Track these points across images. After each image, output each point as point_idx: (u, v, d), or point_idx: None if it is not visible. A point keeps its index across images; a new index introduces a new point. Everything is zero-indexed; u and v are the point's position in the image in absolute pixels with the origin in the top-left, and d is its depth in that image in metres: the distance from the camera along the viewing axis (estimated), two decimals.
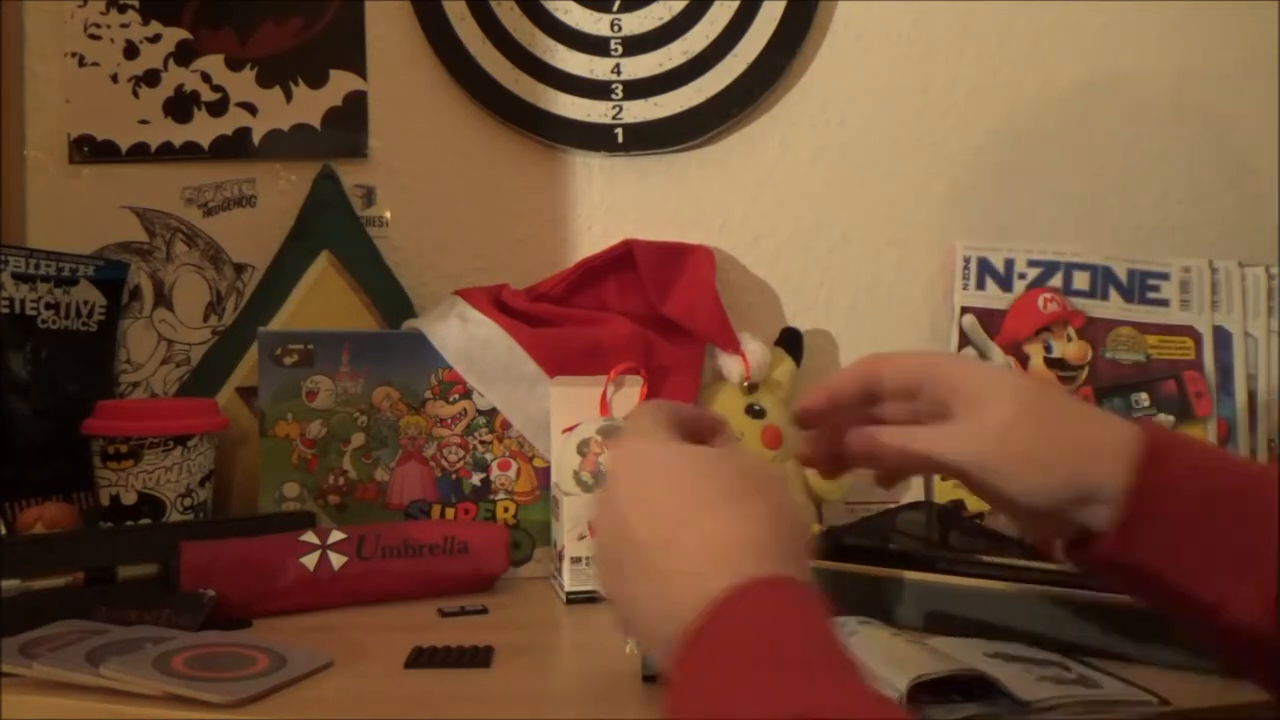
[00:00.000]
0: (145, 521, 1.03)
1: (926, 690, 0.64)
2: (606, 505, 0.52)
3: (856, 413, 0.63)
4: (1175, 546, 0.55)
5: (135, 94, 1.27)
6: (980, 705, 0.64)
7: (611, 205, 1.25)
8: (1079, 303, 1.16)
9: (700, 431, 0.58)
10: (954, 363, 0.62)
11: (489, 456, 1.08)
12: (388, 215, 1.26)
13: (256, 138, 1.26)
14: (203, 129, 1.27)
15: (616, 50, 1.23)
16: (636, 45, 1.23)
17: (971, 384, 0.58)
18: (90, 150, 1.28)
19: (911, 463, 0.60)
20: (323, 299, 1.19)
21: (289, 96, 1.26)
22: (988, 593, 0.81)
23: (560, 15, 1.23)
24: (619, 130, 1.23)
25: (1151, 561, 0.56)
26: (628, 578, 0.49)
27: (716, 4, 1.21)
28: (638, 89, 1.23)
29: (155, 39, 1.27)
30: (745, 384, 1.13)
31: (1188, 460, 0.57)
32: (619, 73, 1.23)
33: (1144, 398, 1.15)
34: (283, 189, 1.27)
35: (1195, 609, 0.56)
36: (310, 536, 0.93)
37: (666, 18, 1.22)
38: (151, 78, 1.27)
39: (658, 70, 1.22)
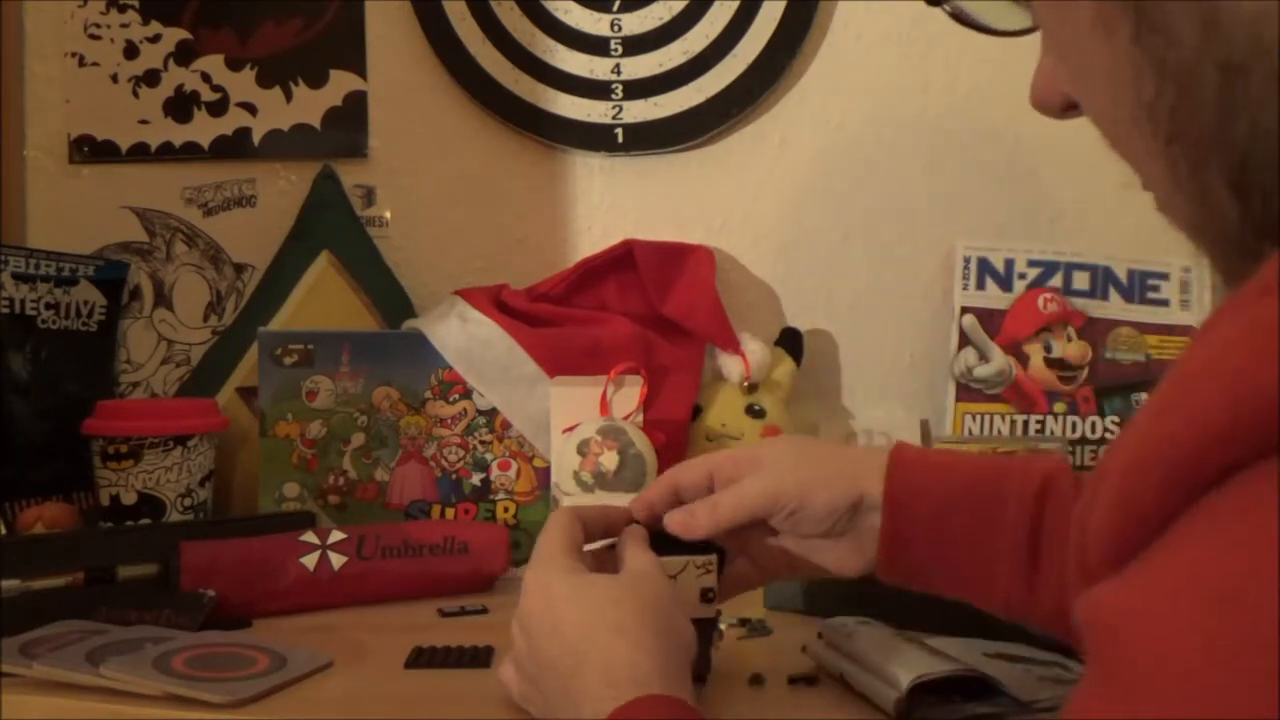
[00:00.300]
0: (145, 521, 1.03)
1: (928, 690, 0.64)
2: (522, 629, 0.61)
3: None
4: (933, 537, 0.65)
5: (135, 94, 1.27)
6: (981, 705, 0.64)
7: (611, 205, 1.25)
8: (1079, 303, 1.16)
9: (611, 528, 0.69)
10: (732, 450, 0.75)
11: (489, 456, 1.08)
12: (388, 215, 1.26)
13: (256, 138, 1.26)
14: (203, 129, 1.27)
15: (616, 50, 1.23)
16: (636, 45, 1.23)
17: (749, 452, 0.71)
18: (90, 150, 1.28)
19: (723, 524, 0.69)
20: (323, 299, 1.19)
21: (289, 96, 1.26)
22: None
23: (560, 15, 1.23)
24: (619, 130, 1.23)
25: (920, 554, 0.66)
26: (544, 685, 0.60)
27: (716, 4, 1.21)
28: (638, 89, 1.23)
29: (155, 39, 1.27)
30: (745, 384, 1.13)
31: (930, 462, 0.68)
32: (619, 73, 1.23)
33: (1144, 398, 1.15)
34: (283, 189, 1.27)
35: (969, 593, 0.66)
36: (310, 536, 0.93)
37: (666, 18, 1.22)
38: (151, 78, 1.27)
39: (658, 70, 1.22)
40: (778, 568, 0.72)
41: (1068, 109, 0.42)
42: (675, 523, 0.69)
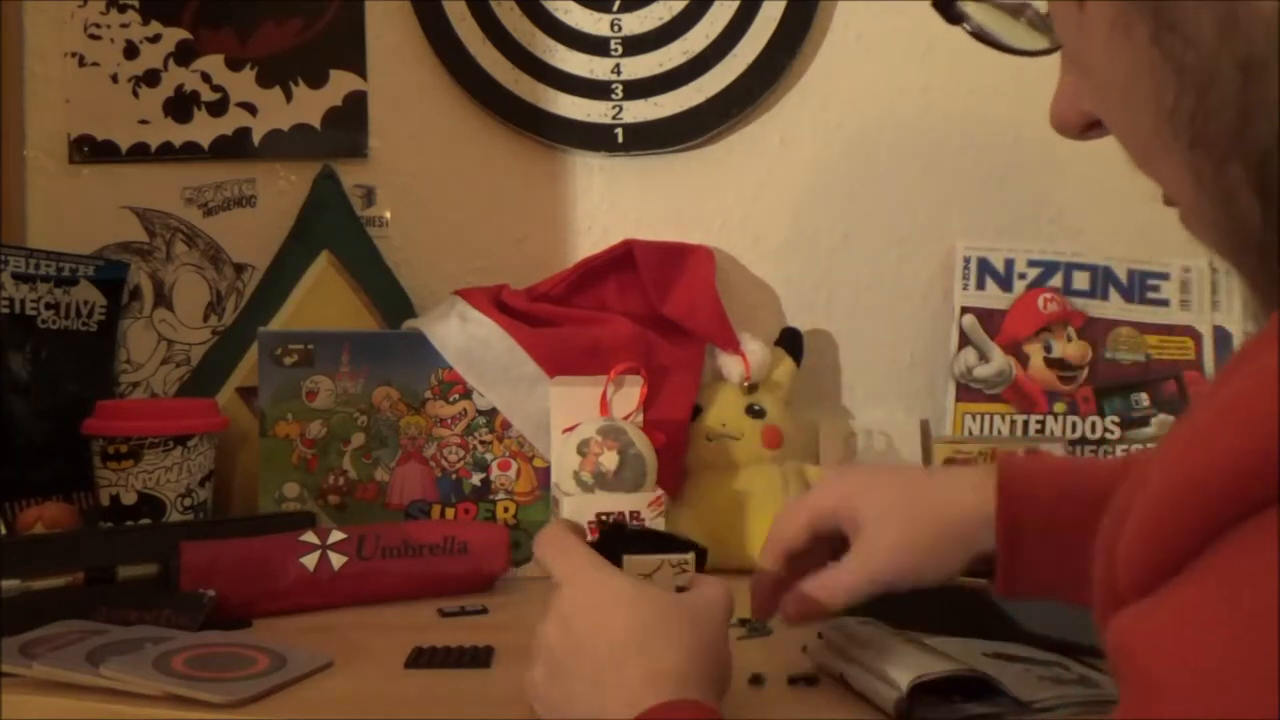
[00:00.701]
0: (145, 521, 1.03)
1: (928, 690, 0.64)
2: (564, 621, 0.61)
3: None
4: (1051, 543, 0.64)
5: (135, 94, 1.27)
6: (981, 705, 0.64)
7: (611, 205, 1.25)
8: (1079, 303, 1.16)
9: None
10: (821, 493, 0.73)
11: (489, 456, 1.08)
12: (388, 215, 1.26)
13: (256, 138, 1.26)
14: (203, 129, 1.27)
15: (616, 50, 1.23)
16: (636, 45, 1.23)
17: (847, 504, 0.70)
18: (90, 150, 1.28)
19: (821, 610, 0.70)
20: (323, 299, 1.19)
21: (289, 96, 1.26)
22: (988, 593, 0.81)
23: (560, 15, 1.23)
24: (619, 130, 1.23)
25: (1037, 580, 0.65)
26: (571, 680, 0.59)
27: (716, 4, 1.21)
28: (638, 89, 1.23)
29: (155, 39, 1.27)
30: (745, 384, 1.13)
31: (1042, 470, 0.66)
32: (619, 73, 1.23)
33: (1144, 398, 1.15)
34: (283, 189, 1.27)
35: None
36: (310, 536, 0.93)
37: (666, 18, 1.22)
38: (151, 78, 1.27)
39: (658, 70, 1.22)
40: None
41: (1088, 129, 0.42)
42: (826, 594, 0.69)
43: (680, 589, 0.70)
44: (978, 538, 0.66)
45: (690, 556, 0.70)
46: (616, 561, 0.71)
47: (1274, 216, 0.32)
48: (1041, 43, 0.41)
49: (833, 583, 0.69)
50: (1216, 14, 0.31)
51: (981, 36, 0.45)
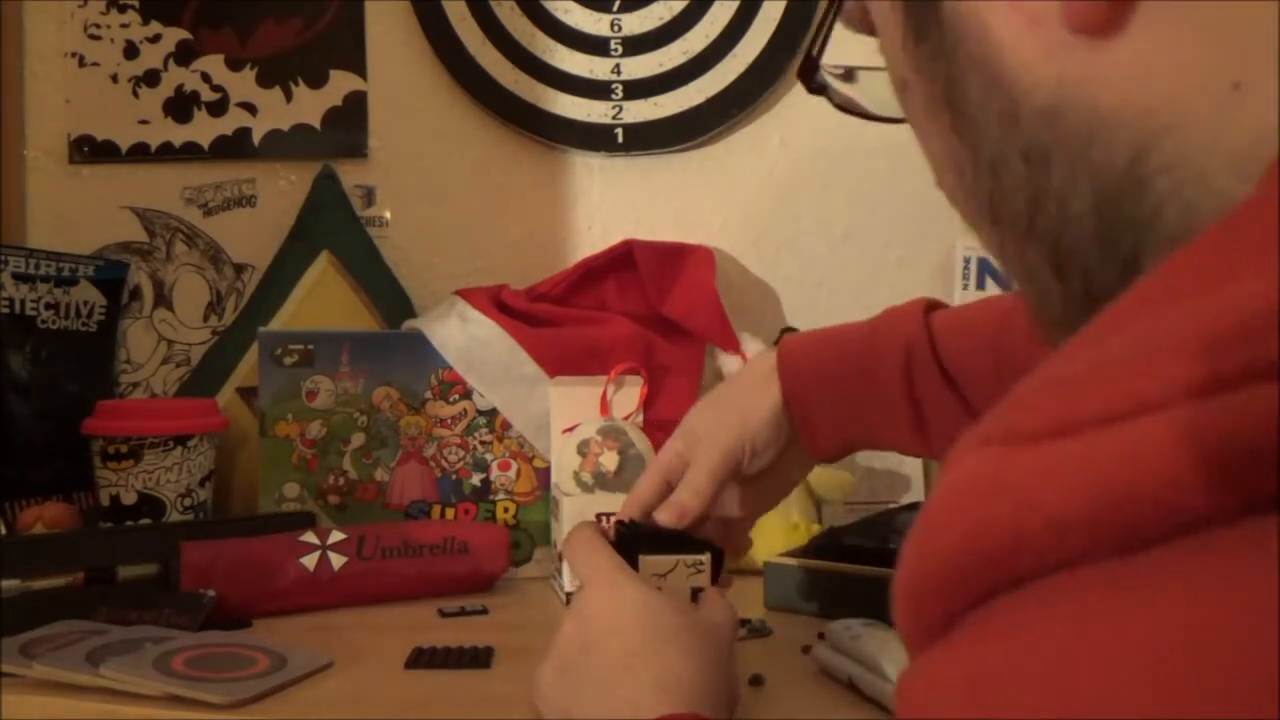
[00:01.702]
0: (145, 521, 1.03)
1: None
2: (581, 623, 0.62)
3: None
4: (835, 416, 0.74)
5: (135, 94, 1.27)
6: None
7: (611, 205, 1.25)
8: None
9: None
10: (675, 434, 0.78)
11: (489, 457, 1.08)
12: (388, 215, 1.26)
13: (256, 138, 1.26)
14: (203, 129, 1.27)
15: (616, 50, 1.23)
16: (636, 45, 1.23)
17: (683, 428, 0.77)
18: (90, 150, 1.28)
19: (708, 500, 0.74)
20: (323, 299, 1.19)
21: (289, 96, 1.26)
22: None
23: (560, 15, 1.23)
24: (619, 130, 1.23)
25: (831, 432, 0.75)
26: (580, 680, 0.60)
27: (716, 4, 1.21)
28: (638, 89, 1.23)
29: (155, 39, 1.27)
30: None
31: (811, 347, 0.76)
32: (619, 73, 1.23)
33: None
34: (283, 189, 1.27)
35: (892, 448, 0.78)
36: (310, 536, 0.93)
37: (666, 18, 1.22)
38: (151, 78, 1.27)
39: (658, 70, 1.22)
40: (777, 488, 0.79)
41: None
42: (667, 516, 0.72)
43: (696, 590, 0.69)
44: (780, 421, 0.74)
45: (706, 557, 0.70)
46: (633, 561, 0.71)
47: (1071, 294, 0.34)
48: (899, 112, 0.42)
49: (690, 479, 0.74)
50: (998, 107, 0.33)
51: (846, 108, 0.47)
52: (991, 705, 0.23)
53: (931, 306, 0.77)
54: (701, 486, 0.72)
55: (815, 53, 0.45)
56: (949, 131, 0.36)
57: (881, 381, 0.73)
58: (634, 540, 0.72)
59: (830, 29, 0.44)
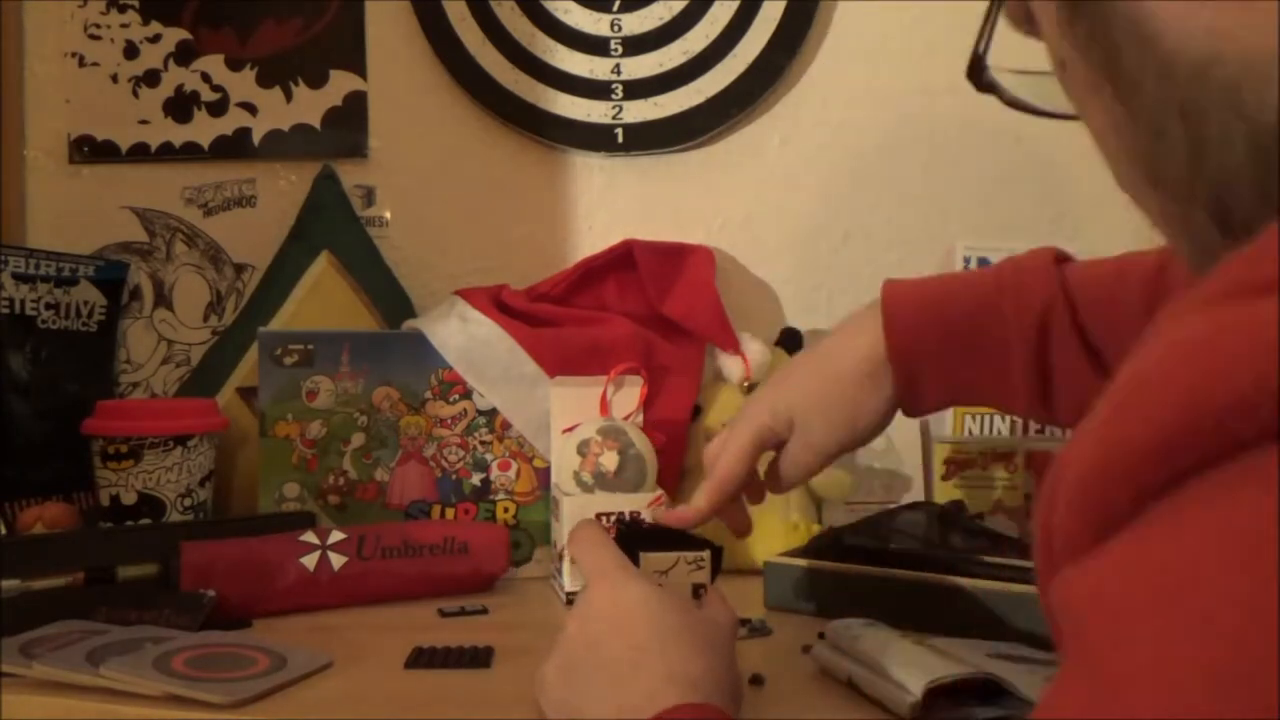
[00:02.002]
0: (145, 521, 1.03)
1: (939, 693, 0.63)
2: (585, 621, 0.61)
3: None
4: (946, 384, 0.73)
5: (135, 94, 1.27)
6: (993, 709, 0.64)
7: (611, 205, 1.25)
8: None
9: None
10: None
11: (489, 456, 1.08)
12: (388, 215, 1.26)
13: (256, 138, 1.26)
14: (203, 129, 1.27)
15: (616, 50, 1.23)
16: (636, 45, 1.23)
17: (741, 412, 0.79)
18: (90, 150, 1.28)
19: (726, 489, 0.78)
20: (323, 299, 1.19)
21: (289, 96, 1.26)
22: (988, 593, 0.81)
23: (560, 15, 1.23)
24: (619, 130, 1.23)
25: (937, 399, 0.75)
26: (586, 678, 0.59)
27: (716, 4, 1.21)
28: (638, 89, 1.23)
29: (155, 39, 1.27)
30: (745, 384, 1.13)
31: (923, 301, 0.75)
32: (619, 73, 1.23)
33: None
34: (283, 189, 1.27)
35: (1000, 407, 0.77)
36: (310, 536, 0.92)
37: (666, 18, 1.22)
38: (151, 78, 1.27)
39: (658, 70, 1.22)
40: (823, 450, 0.78)
41: None
42: (685, 514, 0.74)
43: (697, 586, 0.70)
44: (881, 376, 0.74)
45: (706, 553, 0.71)
46: (634, 558, 0.72)
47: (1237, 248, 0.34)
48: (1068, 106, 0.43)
49: (785, 463, 0.75)
50: (1155, 65, 0.34)
51: (1015, 104, 0.48)
52: (1201, 591, 0.23)
53: (1060, 258, 0.75)
54: (802, 463, 0.74)
55: (982, 50, 0.47)
56: (1111, 101, 0.37)
57: (1008, 346, 0.71)
58: (635, 537, 0.73)
59: (993, 27, 0.45)
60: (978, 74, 0.47)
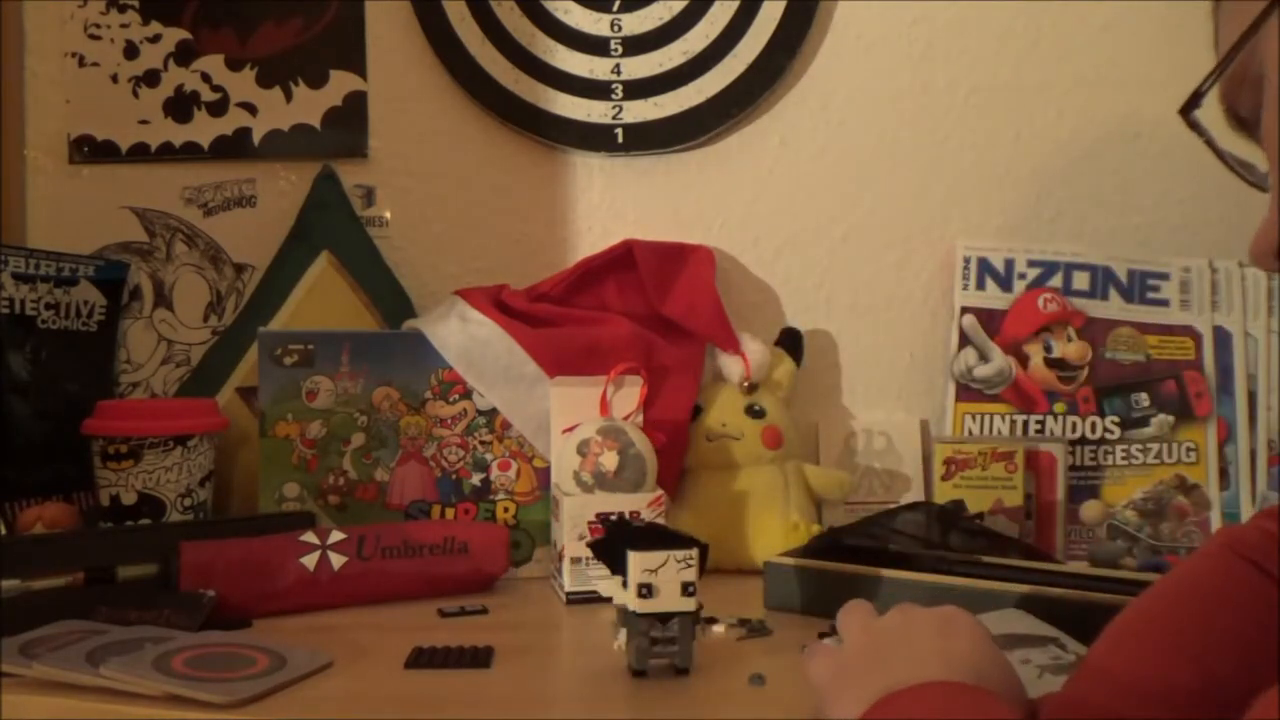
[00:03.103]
0: (145, 521, 1.03)
1: None
2: (874, 630, 0.60)
3: None
4: None
5: (135, 94, 1.27)
6: None
7: (611, 205, 1.25)
8: (1079, 303, 1.16)
9: None
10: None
11: (489, 456, 1.08)
12: (388, 215, 1.26)
13: (256, 138, 1.26)
14: (203, 129, 1.27)
15: (616, 50, 1.23)
16: (636, 45, 1.23)
17: None
18: (90, 150, 1.28)
19: None
20: (323, 299, 1.19)
21: (289, 96, 1.26)
22: (987, 593, 0.81)
23: (560, 15, 1.23)
24: (619, 130, 1.23)
25: None
26: (867, 664, 0.57)
27: (716, 4, 1.21)
28: (638, 89, 1.23)
29: (155, 39, 1.27)
30: (745, 384, 1.13)
31: None
32: (619, 73, 1.23)
33: (1144, 398, 1.15)
34: (283, 189, 1.27)
35: None
36: (310, 536, 0.93)
37: (666, 18, 1.22)
38: (151, 78, 1.27)
39: (658, 70, 1.22)
40: None
41: None
42: None
43: (686, 584, 0.70)
44: None
45: (694, 551, 0.71)
46: (622, 557, 0.72)
47: None
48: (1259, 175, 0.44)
49: None
50: None
51: (1213, 146, 0.49)
52: None
53: None
54: None
55: (1203, 90, 0.48)
56: None
57: None
58: (623, 537, 0.73)
59: (1223, 72, 0.47)
60: (1189, 108, 0.48)
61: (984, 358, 1.16)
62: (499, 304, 1.13)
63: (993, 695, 0.52)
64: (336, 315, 1.18)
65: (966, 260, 1.18)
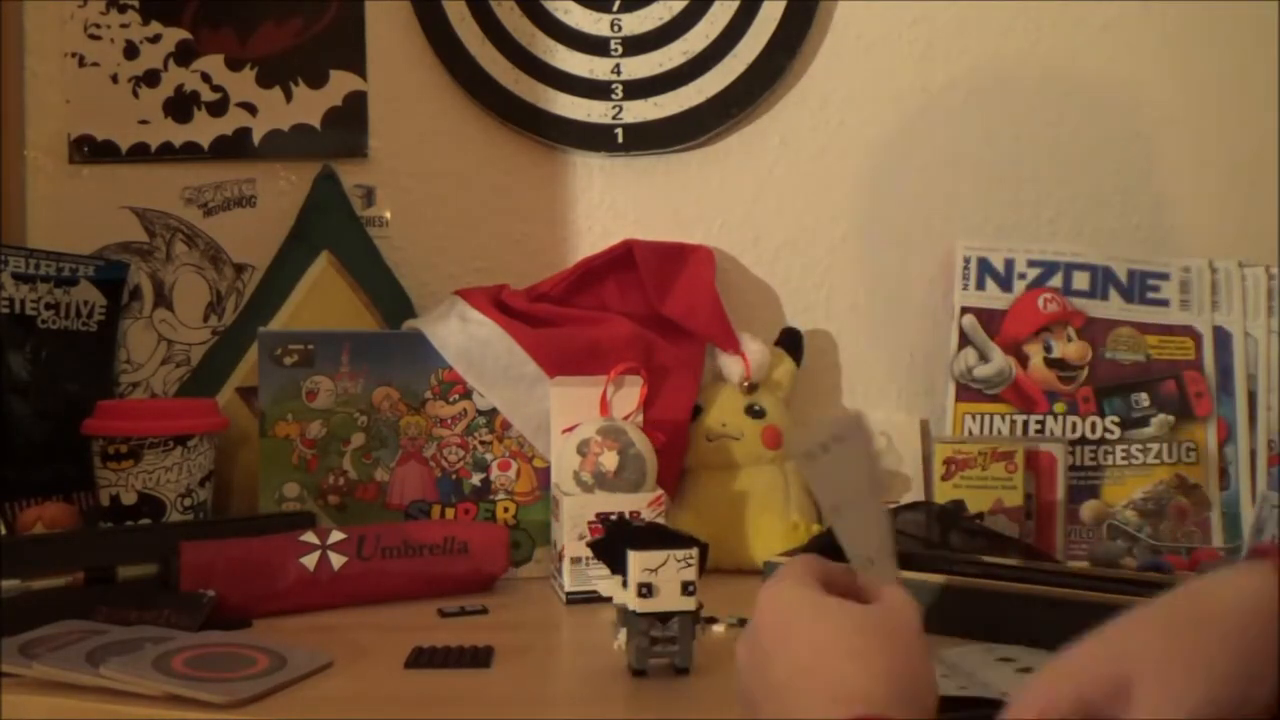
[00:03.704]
0: (145, 521, 1.03)
1: (944, 706, 0.63)
2: (753, 640, 0.58)
3: None
4: None
5: (135, 94, 1.27)
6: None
7: (611, 205, 1.25)
8: (1079, 303, 1.16)
9: (849, 589, 0.61)
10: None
11: (489, 456, 1.08)
12: (388, 215, 1.26)
13: (256, 138, 1.26)
14: (203, 129, 1.27)
15: (616, 50, 1.23)
16: (636, 45, 1.23)
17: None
18: (90, 150, 1.28)
19: None
20: (323, 299, 1.19)
21: (289, 96, 1.26)
22: (988, 593, 0.81)
23: (560, 15, 1.23)
24: (619, 130, 1.23)
25: None
26: (756, 702, 0.56)
27: (716, 4, 1.21)
28: (638, 89, 1.23)
29: (155, 39, 1.27)
30: (745, 384, 1.13)
31: None
32: (619, 73, 1.23)
33: (1144, 398, 1.15)
34: (283, 189, 1.27)
35: None
36: (310, 536, 0.93)
37: (666, 18, 1.22)
38: (151, 78, 1.27)
39: (658, 70, 1.22)
40: None
41: None
42: None
43: (686, 583, 0.70)
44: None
45: (694, 551, 0.71)
46: (622, 556, 0.72)
47: None
48: None
49: None
50: None
51: None
52: None
53: None
54: None
55: None
56: None
57: None
58: (623, 537, 0.73)
59: None
60: None
61: (984, 358, 1.16)
62: (499, 304, 1.13)
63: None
64: (336, 315, 1.18)
65: (966, 260, 1.18)
